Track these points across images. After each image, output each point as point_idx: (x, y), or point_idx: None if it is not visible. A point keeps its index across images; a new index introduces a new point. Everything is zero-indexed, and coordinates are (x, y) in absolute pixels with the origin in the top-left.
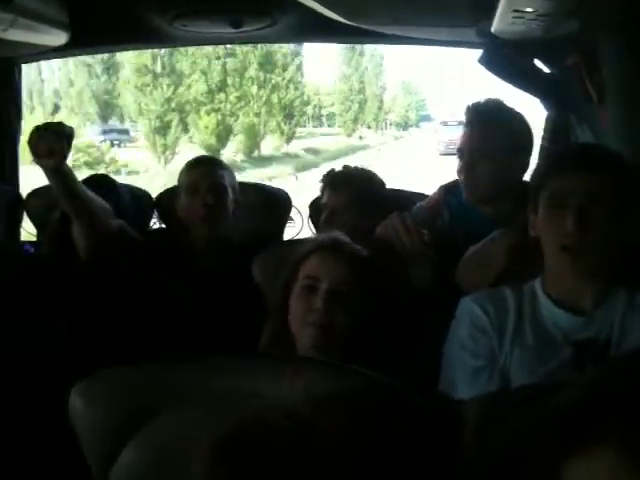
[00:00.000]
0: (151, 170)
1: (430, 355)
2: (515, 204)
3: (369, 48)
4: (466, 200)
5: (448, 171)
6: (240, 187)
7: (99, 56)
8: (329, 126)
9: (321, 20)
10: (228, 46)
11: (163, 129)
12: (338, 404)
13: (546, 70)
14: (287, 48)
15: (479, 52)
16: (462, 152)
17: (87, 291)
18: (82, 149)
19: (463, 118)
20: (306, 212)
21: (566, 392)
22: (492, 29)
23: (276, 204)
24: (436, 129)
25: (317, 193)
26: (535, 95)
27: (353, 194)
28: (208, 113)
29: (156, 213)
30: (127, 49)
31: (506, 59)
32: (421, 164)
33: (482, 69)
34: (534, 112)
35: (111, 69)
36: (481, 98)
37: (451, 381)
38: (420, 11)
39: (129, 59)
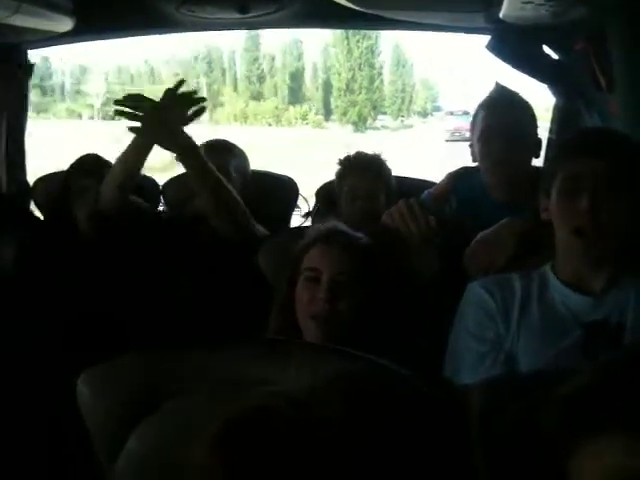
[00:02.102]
0: (335, 130)
1: (435, 341)
2: (527, 192)
3: (409, 60)
4: (497, 201)
5: (452, 153)
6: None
7: None
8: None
9: (328, 6)
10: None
11: (344, 114)
12: (342, 390)
13: (555, 56)
14: (376, 70)
15: (487, 38)
16: (487, 142)
17: (84, 281)
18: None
19: (467, 108)
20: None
21: (574, 381)
22: (500, 15)
23: (282, 191)
24: (443, 118)
25: (393, 145)
26: (543, 82)
27: (378, 178)
28: (355, 106)
29: (162, 200)
30: (134, 35)
31: (514, 45)
32: (432, 146)
33: (490, 56)
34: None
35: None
36: (489, 88)
37: (456, 366)
38: None
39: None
